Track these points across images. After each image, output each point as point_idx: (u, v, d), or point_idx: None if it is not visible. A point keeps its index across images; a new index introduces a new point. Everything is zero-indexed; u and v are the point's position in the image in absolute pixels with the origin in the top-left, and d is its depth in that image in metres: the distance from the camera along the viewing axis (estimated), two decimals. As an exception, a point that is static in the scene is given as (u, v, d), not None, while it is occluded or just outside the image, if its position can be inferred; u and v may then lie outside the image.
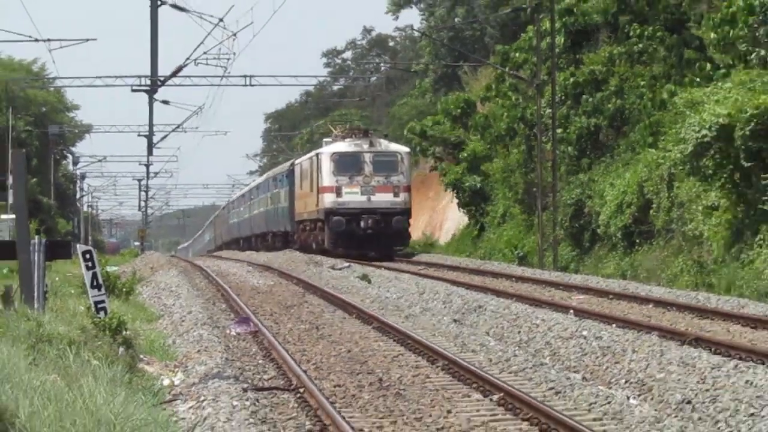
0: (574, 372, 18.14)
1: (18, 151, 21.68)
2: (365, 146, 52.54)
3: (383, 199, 51.43)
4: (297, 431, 13.72)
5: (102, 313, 19.23)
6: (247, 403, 14.72)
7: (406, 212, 52.13)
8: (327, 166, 52.17)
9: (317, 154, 54.21)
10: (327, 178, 51.99)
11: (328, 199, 51.79)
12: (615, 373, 17.45)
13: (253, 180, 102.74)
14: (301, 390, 16.05)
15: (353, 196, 51.40)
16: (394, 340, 21.74)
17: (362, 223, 50.99)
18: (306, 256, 51.47)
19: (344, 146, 52.99)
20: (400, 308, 28.23)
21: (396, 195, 51.59)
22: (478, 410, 14.89)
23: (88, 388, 12.24)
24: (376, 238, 51.14)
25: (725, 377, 15.45)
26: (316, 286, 34.29)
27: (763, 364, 16.92)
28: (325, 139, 57.89)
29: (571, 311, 25.03)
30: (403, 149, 54.45)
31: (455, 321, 25.03)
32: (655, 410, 14.81)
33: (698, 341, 19.64)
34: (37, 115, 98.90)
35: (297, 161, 62.86)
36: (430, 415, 14.50)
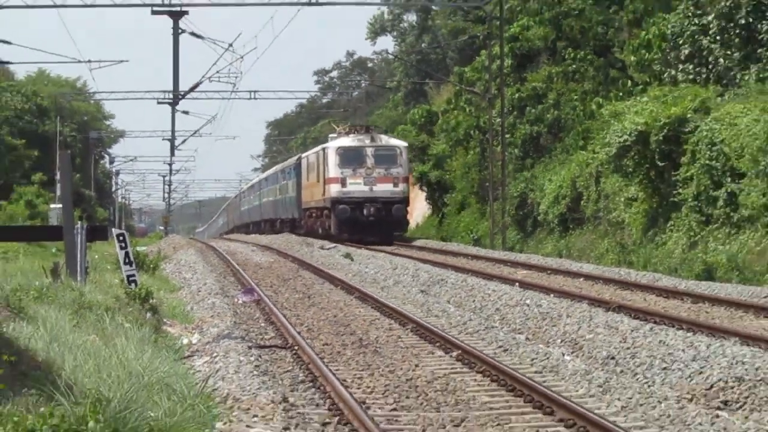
0: (519, 333, 18.13)
1: (64, 153, 21.58)
2: (367, 141, 49.10)
3: (384, 189, 48.03)
4: (292, 381, 13.69)
5: (133, 285, 19.21)
6: (252, 358, 14.68)
7: (404, 201, 48.95)
8: (333, 159, 48.84)
9: (323, 149, 51.00)
10: (333, 170, 48.70)
11: (334, 189, 48.50)
12: (552, 334, 17.45)
13: (258, 175, 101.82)
14: (296, 348, 16.02)
15: (357, 187, 48.04)
16: (371, 307, 21.71)
17: (365, 211, 47.67)
18: (300, 238, 51.01)
19: (348, 141, 49.61)
20: (377, 281, 28.18)
21: (395, 185, 48.35)
22: (440, 364, 14.88)
23: (121, 346, 12.21)
24: (377, 224, 47.85)
25: (643, 338, 15.47)
26: (308, 263, 34.17)
27: (673, 327, 16.96)
28: (330, 135, 54.86)
29: (517, 284, 25.01)
30: (402, 144, 51.12)
31: (422, 291, 24.98)
32: (585, 364, 14.82)
33: (620, 308, 19.66)
34: (80, 123, 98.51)
35: (303, 155, 59.45)
36: (401, 369, 14.49)
